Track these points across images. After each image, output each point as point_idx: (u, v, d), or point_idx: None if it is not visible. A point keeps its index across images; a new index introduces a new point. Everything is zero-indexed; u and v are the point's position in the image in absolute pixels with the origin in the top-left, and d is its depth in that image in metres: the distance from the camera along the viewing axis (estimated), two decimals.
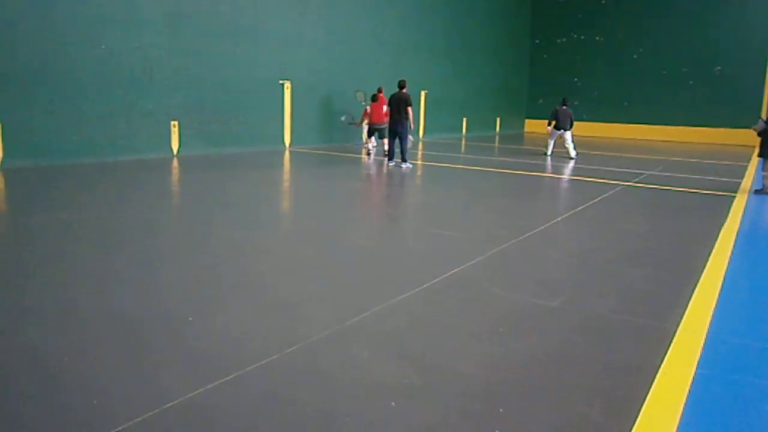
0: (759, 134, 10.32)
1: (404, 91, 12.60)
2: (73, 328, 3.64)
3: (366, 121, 15.20)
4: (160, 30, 12.60)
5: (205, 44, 13.58)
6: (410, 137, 12.66)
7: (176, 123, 13.14)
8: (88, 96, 11.47)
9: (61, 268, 4.94)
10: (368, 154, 14.82)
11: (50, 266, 4.96)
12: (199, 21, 13.39)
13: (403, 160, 12.48)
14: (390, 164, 12.74)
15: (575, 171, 13.00)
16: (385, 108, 13.86)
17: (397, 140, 12.69)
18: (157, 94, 12.69)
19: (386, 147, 13.48)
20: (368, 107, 14.76)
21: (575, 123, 16.64)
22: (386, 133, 13.49)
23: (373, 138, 14.73)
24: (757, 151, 10.71)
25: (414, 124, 12.86)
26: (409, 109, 12.32)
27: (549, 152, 16.70)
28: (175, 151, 13.22)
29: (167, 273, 4.90)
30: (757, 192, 10.38)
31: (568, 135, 16.29)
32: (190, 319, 3.81)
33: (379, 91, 14.45)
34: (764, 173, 10.37)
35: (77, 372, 3.08)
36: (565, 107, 16.59)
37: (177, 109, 13.14)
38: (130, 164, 11.51)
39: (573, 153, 15.95)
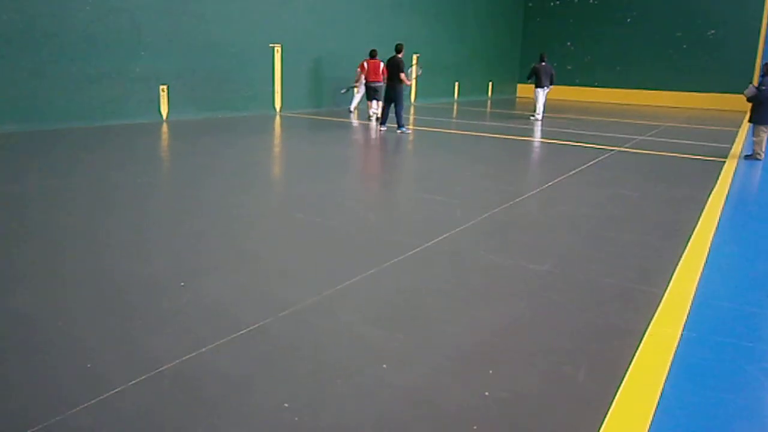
0: (749, 100, 10.32)
1: (399, 55, 12.42)
2: (65, 293, 3.65)
3: (360, 83, 15.01)
4: None
5: (195, 6, 13.33)
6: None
7: (165, 87, 12.97)
8: (75, 59, 11.27)
9: (51, 234, 4.92)
10: (376, 119, 14.18)
11: (40, 232, 4.94)
12: None
13: (399, 125, 12.30)
14: (382, 128, 12.56)
15: (567, 136, 12.98)
16: (382, 66, 14.04)
17: (391, 105, 12.50)
18: (145, 57, 12.48)
19: (378, 111, 13.44)
20: (364, 62, 14.62)
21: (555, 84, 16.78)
22: (382, 94, 13.55)
23: (374, 102, 14.75)
24: (747, 116, 10.72)
25: (408, 80, 12.72)
26: (402, 75, 12.17)
27: (538, 114, 16.38)
28: (164, 116, 13.08)
29: (158, 238, 4.89)
30: (746, 157, 10.43)
31: (542, 93, 16.29)
32: (182, 283, 3.83)
33: (374, 53, 14.46)
34: (754, 139, 10.40)
35: (71, 336, 3.09)
36: (543, 63, 16.38)
37: (166, 73, 12.95)
38: (119, 129, 11.38)
39: (539, 113, 16.16)
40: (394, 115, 12.45)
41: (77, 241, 4.71)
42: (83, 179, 7.05)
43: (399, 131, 12.23)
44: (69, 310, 3.41)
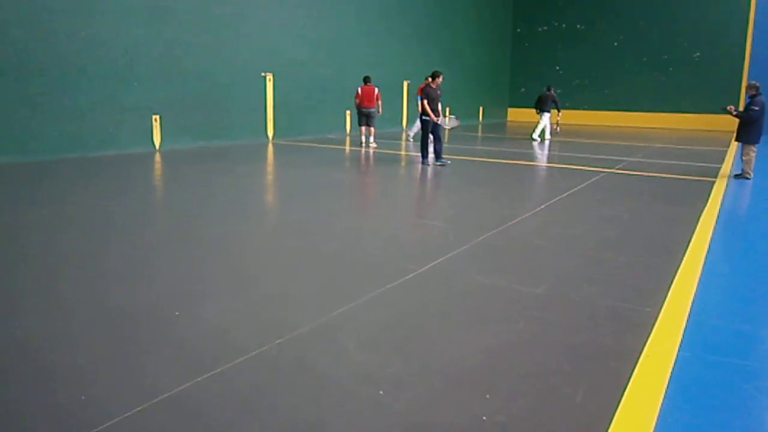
0: (735, 116, 10.49)
1: (430, 82, 11.32)
2: (60, 323, 3.63)
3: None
4: (141, 22, 12.47)
5: (187, 36, 13.47)
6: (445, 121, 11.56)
7: (158, 117, 13.04)
8: (68, 90, 11.34)
9: (48, 263, 4.90)
10: (367, 144, 14.84)
11: (36, 261, 4.93)
12: (180, 13, 13.27)
13: (438, 157, 11.38)
14: (424, 163, 11.49)
15: (558, 159, 13.08)
16: (376, 91, 14.37)
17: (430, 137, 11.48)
18: (138, 87, 12.57)
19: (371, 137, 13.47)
20: (359, 89, 14.68)
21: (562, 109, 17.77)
22: (373, 119, 14.33)
23: (364, 128, 14.80)
24: (735, 135, 10.85)
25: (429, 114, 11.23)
26: (425, 103, 11.08)
27: (536, 136, 17.58)
28: (157, 146, 13.12)
29: (154, 267, 4.88)
30: (736, 176, 10.53)
31: (546, 116, 17.46)
32: (177, 313, 3.81)
33: (367, 79, 14.63)
34: (744, 158, 10.52)
35: (66, 367, 3.07)
36: (548, 92, 17.56)
37: (159, 103, 13.03)
38: (112, 159, 11.41)
39: (536, 135, 17.49)
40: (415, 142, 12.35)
41: (73, 271, 4.69)
42: (78, 209, 7.04)
43: (438, 163, 11.33)
44: (66, 339, 3.39)
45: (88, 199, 7.70)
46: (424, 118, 11.31)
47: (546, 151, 14.74)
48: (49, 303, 4.00)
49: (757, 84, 10.46)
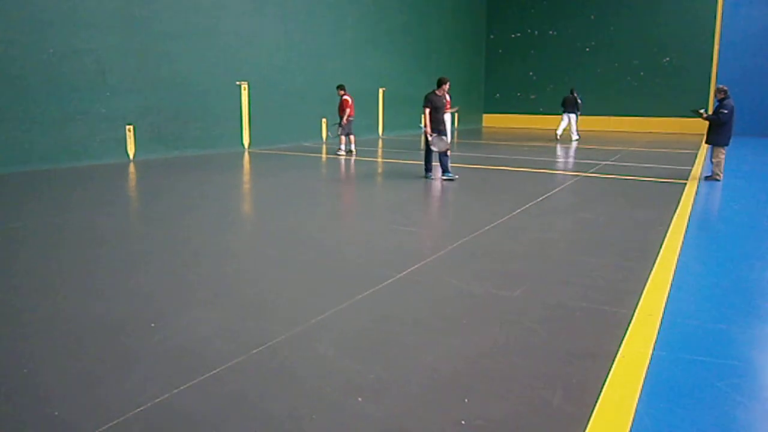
0: (705, 119, 10.70)
1: (436, 91, 10.50)
2: (31, 338, 3.57)
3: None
4: (112, 31, 12.36)
5: (161, 46, 13.38)
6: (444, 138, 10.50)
7: (131, 127, 12.91)
8: (39, 101, 11.19)
9: (15, 278, 4.82)
10: (348, 151, 14.91)
11: (4, 275, 4.83)
12: (154, 22, 13.18)
13: (446, 170, 10.56)
14: (429, 177, 10.75)
15: (533, 164, 13.21)
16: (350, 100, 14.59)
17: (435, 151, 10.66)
18: (111, 97, 12.45)
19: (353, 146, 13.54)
20: (349, 99, 14.63)
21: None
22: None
23: (353, 137, 14.87)
24: (704, 138, 11.06)
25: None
26: (427, 113, 10.37)
27: (559, 134, 20.20)
28: (131, 156, 12.98)
29: (127, 279, 4.82)
30: (707, 178, 10.72)
31: (572, 117, 20.06)
32: (153, 324, 3.77)
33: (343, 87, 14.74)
34: (713, 160, 10.72)
35: (37, 383, 3.02)
36: (571, 95, 20.25)
37: (132, 113, 12.91)
38: (85, 170, 11.26)
39: (575, 135, 20.01)
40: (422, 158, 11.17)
41: (43, 285, 4.61)
42: (48, 222, 6.94)
43: (444, 178, 10.51)
44: (35, 356, 3.33)
45: (58, 212, 7.59)
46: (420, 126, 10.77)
47: (520, 156, 14.87)
48: (21, 318, 3.93)
49: (725, 88, 10.67)
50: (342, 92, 14.69)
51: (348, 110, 14.53)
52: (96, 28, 12.04)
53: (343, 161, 13.47)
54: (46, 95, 11.29)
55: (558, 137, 20.07)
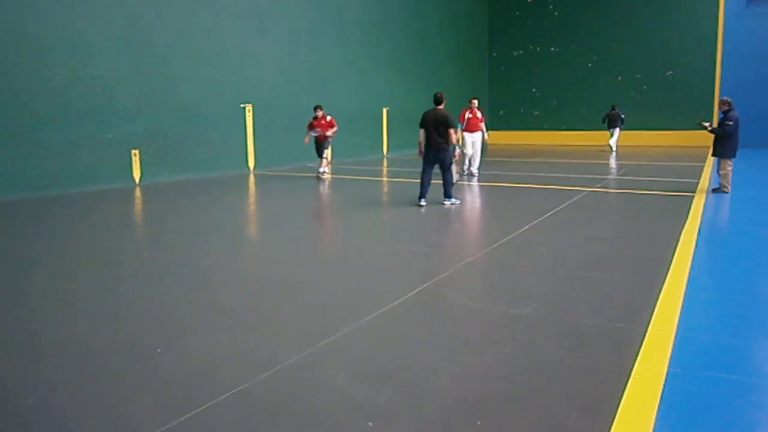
0: (711, 132, 10.67)
1: (441, 107, 9.59)
2: (37, 363, 3.53)
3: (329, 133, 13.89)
4: (118, 57, 12.47)
5: (164, 69, 13.48)
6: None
7: (137, 151, 12.97)
8: (46, 127, 11.27)
9: (26, 301, 4.79)
10: (322, 172, 14.11)
11: (14, 300, 4.81)
12: (157, 46, 13.30)
13: (449, 195, 9.65)
14: (422, 204, 9.52)
15: (540, 179, 13.17)
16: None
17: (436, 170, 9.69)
18: (117, 122, 12.53)
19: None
20: (332, 118, 13.95)
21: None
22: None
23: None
24: (711, 150, 11.01)
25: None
26: (451, 132, 9.45)
27: (612, 144, 22.17)
28: (137, 180, 13.03)
29: (134, 303, 4.79)
30: (714, 191, 10.66)
31: (616, 132, 22.00)
32: (159, 350, 3.73)
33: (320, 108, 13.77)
34: (720, 172, 10.66)
35: (47, 407, 2.98)
36: (614, 111, 22.15)
37: (138, 138, 12.98)
38: (92, 195, 11.30)
39: (614, 146, 21.92)
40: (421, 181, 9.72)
41: (52, 308, 4.59)
42: (56, 246, 6.93)
43: (448, 202, 9.60)
44: (45, 380, 3.29)
45: (66, 237, 7.59)
46: (446, 148, 9.50)
47: (526, 173, 14.84)
48: (24, 342, 3.90)
49: (729, 100, 10.65)
50: (321, 111, 13.73)
51: (335, 128, 13.91)
52: (102, 54, 12.15)
53: (346, 182, 13.46)
54: (53, 121, 11.37)
55: (613, 149, 22.05)
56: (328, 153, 14.14)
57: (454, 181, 10.14)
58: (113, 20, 12.36)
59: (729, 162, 10.51)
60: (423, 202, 9.52)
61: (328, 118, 13.77)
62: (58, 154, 11.52)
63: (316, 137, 13.95)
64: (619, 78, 26.72)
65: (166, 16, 13.50)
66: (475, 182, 13.04)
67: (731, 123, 10.39)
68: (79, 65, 11.75)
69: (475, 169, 14.42)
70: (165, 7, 13.48)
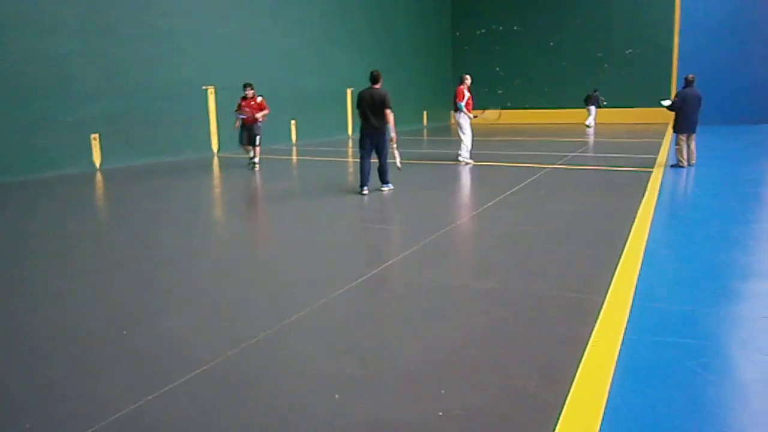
0: (669, 109, 10.94)
1: (378, 86, 8.79)
2: (3, 348, 3.49)
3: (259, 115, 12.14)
4: (77, 37, 12.14)
5: (124, 51, 13.17)
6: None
7: (97, 135, 12.69)
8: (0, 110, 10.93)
9: None
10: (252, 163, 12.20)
11: None
12: (117, 26, 12.98)
13: (385, 181, 9.09)
14: (365, 192, 8.82)
15: (503, 157, 13.32)
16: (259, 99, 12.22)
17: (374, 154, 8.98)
18: (75, 104, 12.22)
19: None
20: (263, 99, 12.33)
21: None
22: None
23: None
24: (671, 126, 11.30)
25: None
26: (389, 112, 8.65)
27: (589, 123, 23.38)
28: (97, 165, 12.77)
29: (98, 287, 4.74)
30: (672, 166, 10.93)
31: (592, 110, 23.62)
32: (125, 332, 3.72)
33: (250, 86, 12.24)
34: (676, 147, 10.94)
35: (6, 396, 2.96)
36: (594, 93, 23.62)
37: (98, 120, 12.69)
38: (49, 181, 11.04)
39: (590, 122, 23.46)
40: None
41: (12, 294, 4.52)
42: (12, 234, 6.79)
43: (386, 188, 9.04)
44: (10, 364, 3.26)
45: (23, 223, 7.43)
46: (384, 131, 8.77)
47: (489, 151, 14.97)
48: None
49: (688, 77, 10.93)
50: (251, 90, 12.20)
51: (267, 110, 12.29)
52: (59, 34, 11.81)
53: (313, 163, 13.41)
54: (7, 104, 11.02)
55: (589, 126, 23.49)
56: (259, 140, 12.24)
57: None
58: None
59: (681, 137, 10.79)
60: (365, 191, 8.81)
61: (259, 99, 12.19)
62: (14, 137, 11.19)
63: (243, 120, 12.12)
64: (581, 57, 27.07)
65: None
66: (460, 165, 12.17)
67: (676, 99, 10.75)
68: (35, 44, 11.39)
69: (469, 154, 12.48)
70: None
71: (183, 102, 14.82)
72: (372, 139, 8.77)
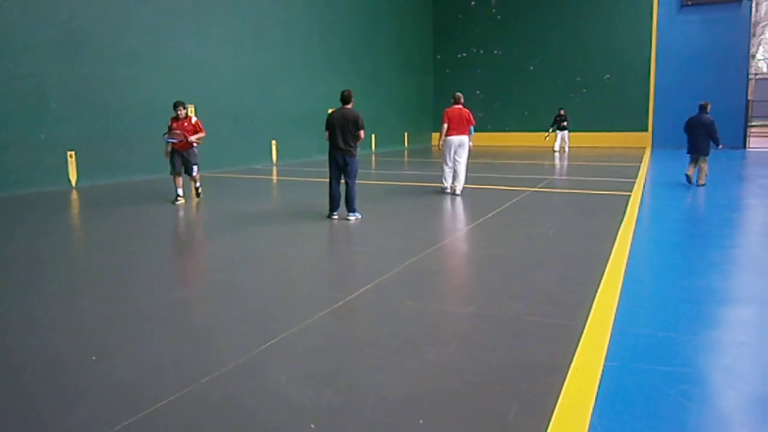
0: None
1: (349, 106, 8.42)
2: None
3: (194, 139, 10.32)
4: (52, 55, 12.02)
5: (103, 69, 13.06)
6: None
7: (73, 153, 12.52)
8: None
9: None
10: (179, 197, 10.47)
11: None
12: (96, 45, 12.88)
13: (352, 209, 8.51)
14: (334, 217, 8.58)
15: (483, 180, 13.36)
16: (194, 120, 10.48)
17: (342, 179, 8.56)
18: (51, 122, 12.07)
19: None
20: (198, 120, 10.61)
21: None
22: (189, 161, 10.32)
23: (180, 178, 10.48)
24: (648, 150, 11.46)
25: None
26: (361, 133, 8.34)
27: (555, 149, 23.23)
28: (73, 183, 12.58)
29: (64, 312, 4.60)
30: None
31: (562, 134, 23.20)
32: (94, 358, 3.59)
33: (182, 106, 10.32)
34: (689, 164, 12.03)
35: None
36: (561, 114, 23.05)
37: (74, 138, 12.53)
38: (23, 199, 10.83)
39: (556, 148, 23.40)
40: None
41: None
42: None
43: (353, 217, 8.46)
44: None
45: None
46: (353, 154, 8.35)
47: (469, 174, 15.02)
48: None
49: (701, 103, 12.15)
50: (184, 109, 10.29)
51: (202, 133, 10.48)
52: (36, 52, 11.68)
53: (291, 183, 13.33)
54: None
55: (555, 150, 23.21)
56: (197, 170, 10.62)
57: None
58: (47, 17, 11.90)
59: (692, 158, 12.05)
60: (335, 216, 8.52)
61: (194, 119, 10.44)
62: None
63: (174, 145, 10.16)
64: (560, 81, 27.43)
65: (103, 15, 13.07)
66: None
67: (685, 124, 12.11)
68: (10, 63, 11.26)
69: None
70: (101, 6, 13.05)
71: (161, 121, 14.57)
72: (339, 161, 8.39)
